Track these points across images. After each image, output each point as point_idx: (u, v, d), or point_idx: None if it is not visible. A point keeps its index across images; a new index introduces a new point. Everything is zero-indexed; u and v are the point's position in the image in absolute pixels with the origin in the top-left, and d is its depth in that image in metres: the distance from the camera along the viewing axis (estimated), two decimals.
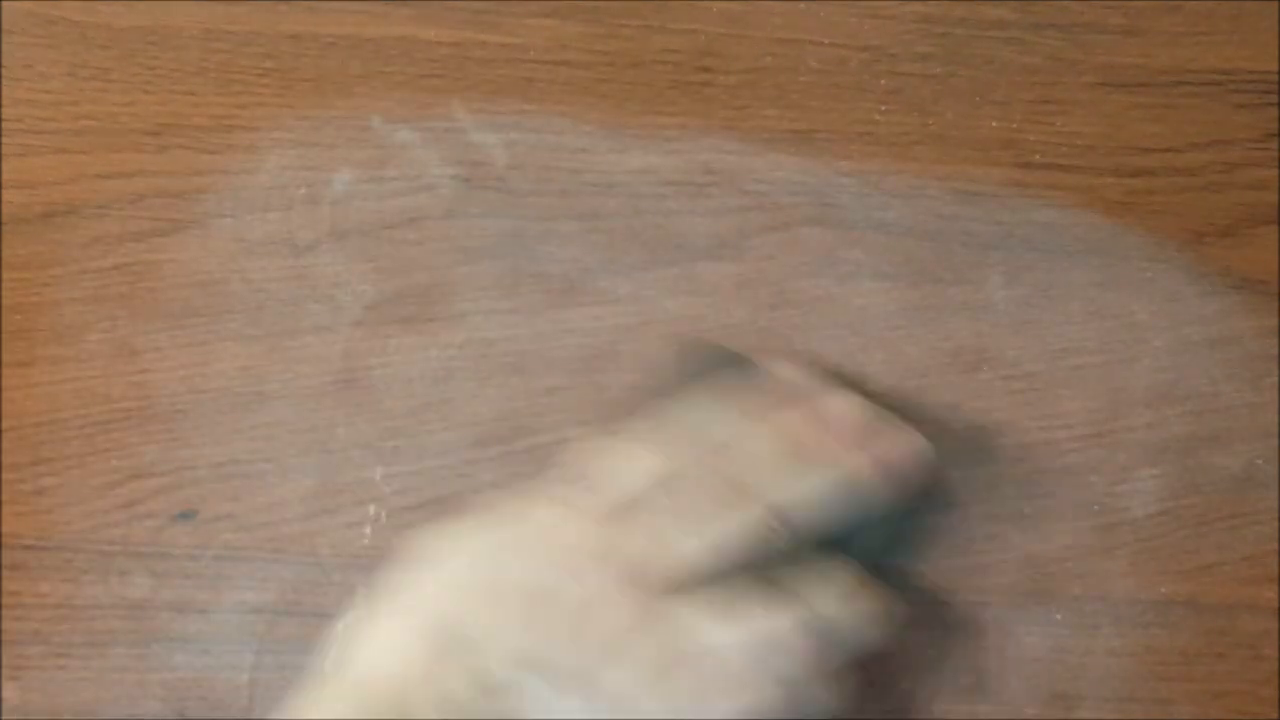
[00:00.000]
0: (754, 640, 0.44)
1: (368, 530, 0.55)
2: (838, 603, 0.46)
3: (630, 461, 0.47)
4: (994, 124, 0.57)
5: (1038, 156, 0.57)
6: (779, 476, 0.47)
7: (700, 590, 0.45)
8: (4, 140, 0.57)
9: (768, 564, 0.46)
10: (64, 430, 0.56)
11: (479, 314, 0.56)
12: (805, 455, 0.47)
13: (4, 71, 0.58)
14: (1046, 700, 0.54)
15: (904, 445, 0.49)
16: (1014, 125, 0.57)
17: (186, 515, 0.55)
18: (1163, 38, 0.58)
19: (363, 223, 0.57)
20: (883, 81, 0.57)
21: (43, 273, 0.57)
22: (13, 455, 0.56)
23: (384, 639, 0.45)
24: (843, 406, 0.49)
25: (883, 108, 0.57)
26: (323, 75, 0.58)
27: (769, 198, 0.57)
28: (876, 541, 0.51)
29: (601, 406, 0.55)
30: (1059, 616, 0.54)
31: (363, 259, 0.57)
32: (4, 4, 0.58)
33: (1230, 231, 0.56)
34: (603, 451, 0.48)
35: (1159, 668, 0.54)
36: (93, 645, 0.55)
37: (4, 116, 0.57)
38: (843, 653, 0.46)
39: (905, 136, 0.57)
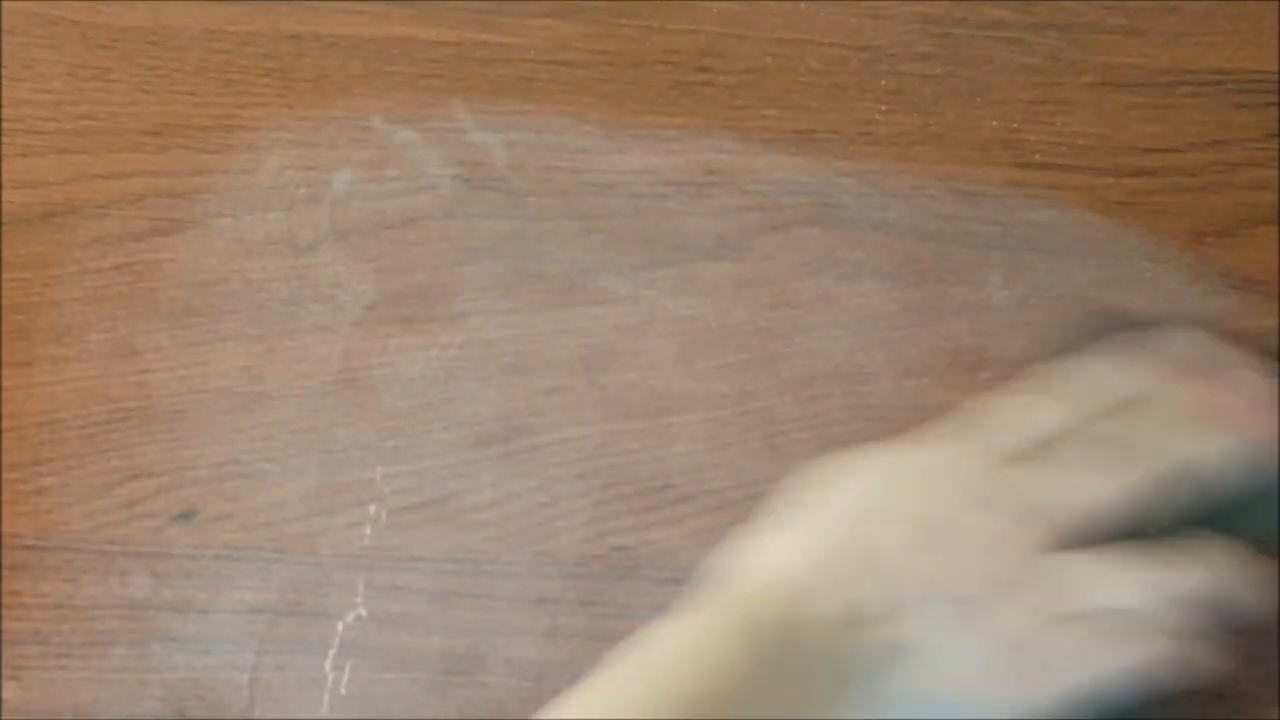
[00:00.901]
0: (1153, 594, 0.44)
1: (368, 530, 0.55)
2: (1233, 566, 0.45)
3: (1034, 411, 0.47)
4: (994, 124, 0.57)
5: (1038, 156, 0.57)
6: (1185, 437, 0.46)
7: (1095, 544, 0.44)
8: (4, 140, 0.57)
9: (1156, 530, 0.45)
10: (64, 430, 0.56)
11: (479, 314, 0.56)
12: (1212, 420, 0.46)
13: (4, 71, 0.58)
14: None
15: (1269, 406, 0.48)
16: (1014, 125, 0.57)
17: (186, 515, 0.55)
18: (1163, 38, 0.58)
19: (363, 223, 0.57)
20: (883, 82, 0.57)
21: (43, 273, 0.57)
22: (13, 455, 0.56)
23: (787, 553, 0.44)
24: (1250, 379, 0.49)
25: (883, 108, 0.57)
26: (323, 75, 0.58)
27: (769, 198, 0.57)
28: (1262, 517, 0.50)
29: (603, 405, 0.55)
30: None
31: (363, 259, 0.57)
32: (4, 4, 0.58)
33: (1230, 232, 0.56)
34: (1008, 401, 0.47)
35: None
36: (93, 645, 0.55)
37: (4, 116, 0.57)
38: (1235, 621, 0.45)
39: (905, 136, 0.57)
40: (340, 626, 0.54)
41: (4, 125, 0.57)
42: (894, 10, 0.58)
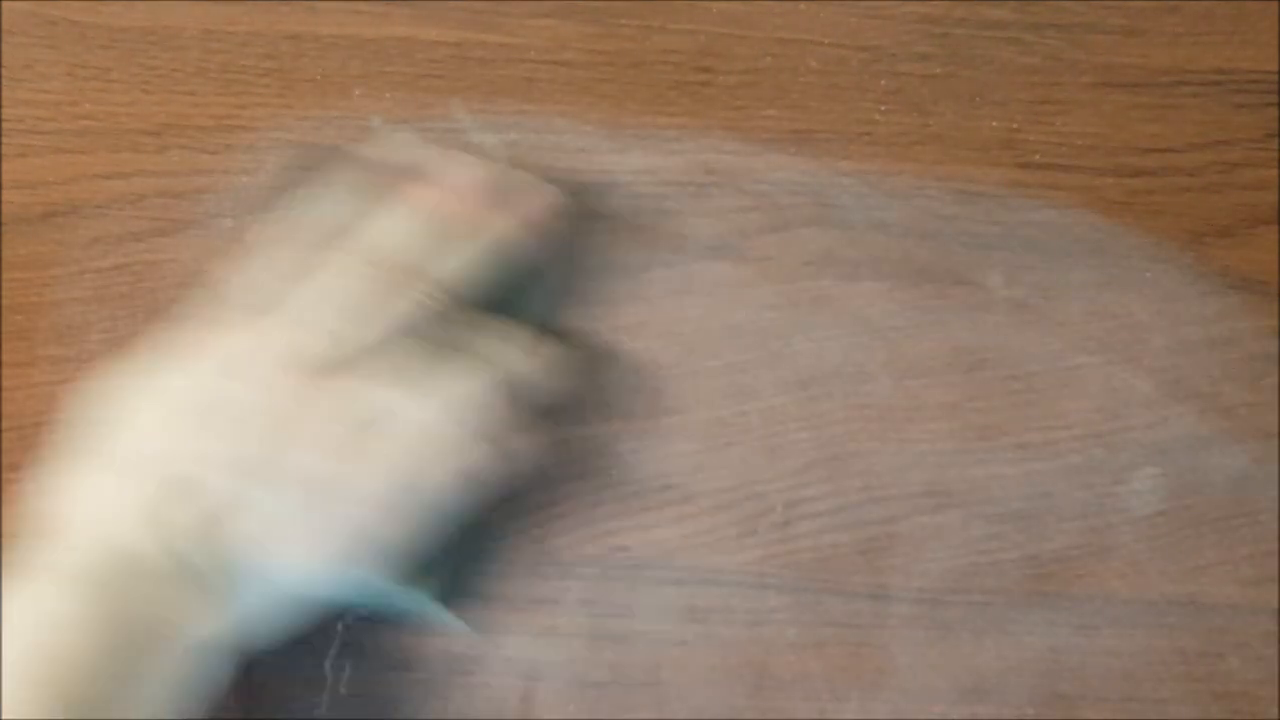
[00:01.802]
0: (449, 403, 0.45)
1: None
2: (520, 357, 0.48)
3: (271, 268, 0.47)
4: (994, 124, 0.57)
5: (1037, 157, 0.57)
6: (429, 253, 0.48)
7: (374, 364, 0.45)
8: (4, 140, 0.57)
9: (443, 336, 0.47)
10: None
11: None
12: (449, 227, 0.48)
13: (4, 72, 0.58)
14: (1046, 700, 0.54)
15: (539, 198, 0.50)
16: (1014, 125, 0.57)
17: None
18: (1162, 38, 0.58)
19: None
20: (882, 82, 0.57)
21: (43, 273, 0.57)
22: (13, 455, 0.56)
23: (97, 494, 0.45)
24: (470, 173, 0.50)
25: (882, 108, 0.57)
26: (323, 76, 0.58)
27: (769, 198, 0.57)
28: (538, 298, 0.52)
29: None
30: (1059, 616, 0.54)
31: None
32: (4, 4, 0.58)
33: (1230, 232, 0.56)
34: (242, 266, 0.48)
35: (1159, 668, 0.54)
36: None
37: (4, 117, 0.57)
38: (535, 403, 0.48)
39: (905, 137, 0.57)
40: (340, 626, 0.54)
41: (4, 125, 0.57)
42: (894, 10, 0.58)
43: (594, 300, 0.56)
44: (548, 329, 0.50)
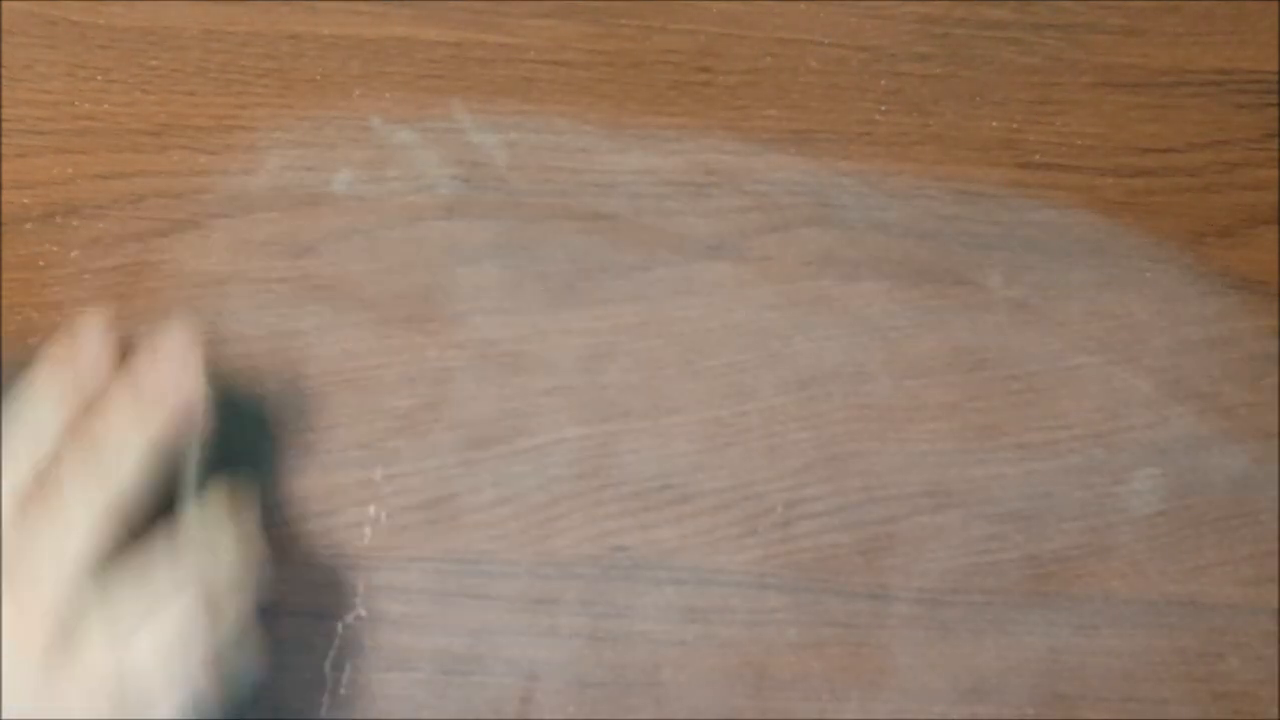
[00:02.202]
0: (157, 645, 0.46)
1: (368, 530, 0.55)
2: (216, 561, 0.48)
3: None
4: (994, 124, 0.57)
5: (1037, 157, 0.57)
6: (94, 479, 0.48)
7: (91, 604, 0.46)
8: (4, 140, 0.57)
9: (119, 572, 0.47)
10: None
11: (479, 314, 0.56)
12: (106, 445, 0.48)
13: (4, 72, 0.58)
14: (1046, 700, 0.54)
15: (173, 381, 0.50)
16: (1014, 125, 0.57)
17: None
18: (1162, 38, 0.58)
19: (363, 223, 0.57)
20: (883, 82, 0.57)
21: (43, 273, 0.56)
22: None
23: None
24: (106, 377, 0.50)
25: (882, 108, 0.57)
26: (323, 75, 0.58)
27: (769, 198, 0.57)
28: (247, 465, 0.52)
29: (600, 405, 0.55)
30: (1059, 616, 0.54)
31: (362, 259, 0.57)
32: (4, 4, 0.58)
33: (1230, 231, 0.56)
34: None
35: (1159, 668, 0.54)
36: None
37: (4, 117, 0.57)
38: (237, 608, 0.48)
39: (905, 137, 0.57)
40: (340, 627, 0.54)
41: (4, 125, 0.57)
42: (894, 10, 0.58)
43: (594, 300, 0.56)
44: (256, 502, 0.51)
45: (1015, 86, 0.57)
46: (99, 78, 0.58)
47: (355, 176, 0.57)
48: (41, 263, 0.57)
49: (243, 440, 0.52)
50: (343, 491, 0.55)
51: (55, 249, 0.57)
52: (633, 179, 0.57)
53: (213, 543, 0.48)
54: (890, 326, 0.56)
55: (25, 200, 0.57)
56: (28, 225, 0.57)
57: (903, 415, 0.55)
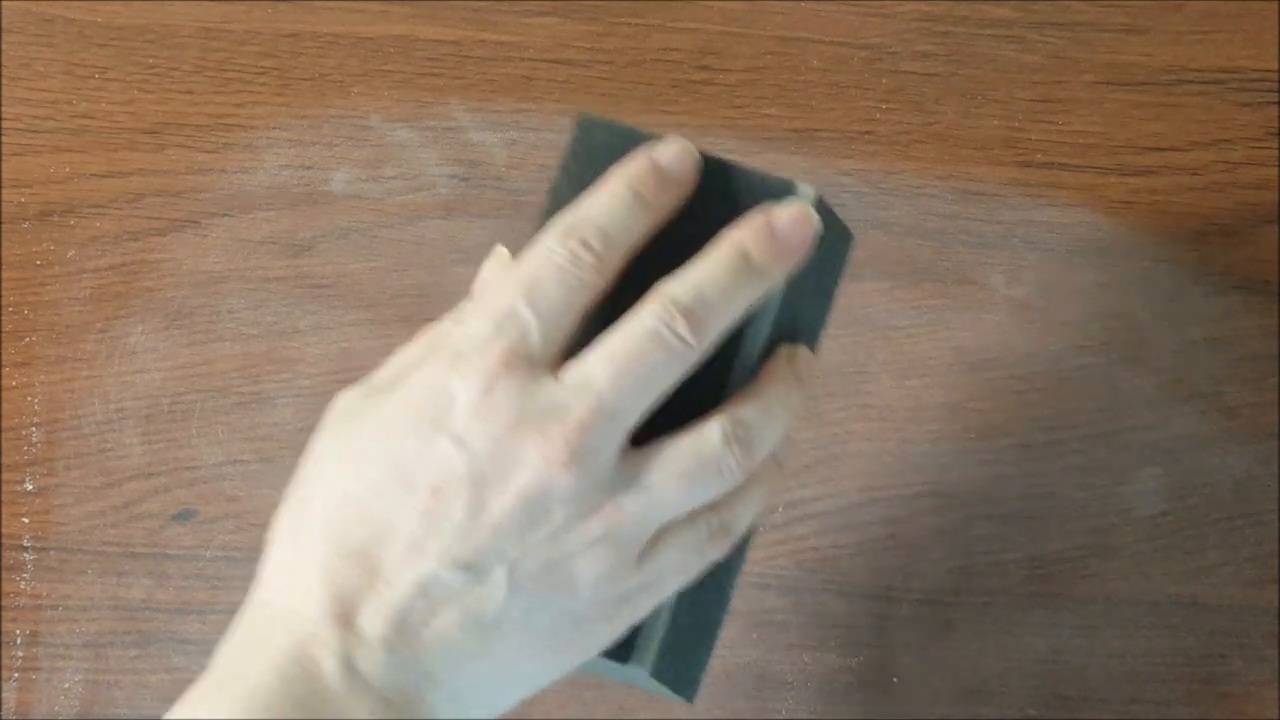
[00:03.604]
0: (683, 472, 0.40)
1: None
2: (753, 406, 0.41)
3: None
4: (995, 123, 0.57)
5: (1039, 155, 0.57)
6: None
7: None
8: (2, 139, 0.57)
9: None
10: (64, 430, 0.56)
11: None
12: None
13: (2, 71, 0.58)
14: (1048, 701, 0.54)
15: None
16: (1015, 124, 0.57)
17: (186, 515, 0.55)
18: (1165, 36, 0.57)
19: (362, 222, 0.57)
20: (884, 80, 0.57)
21: (41, 272, 0.56)
22: (12, 455, 0.55)
23: (282, 578, 0.40)
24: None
25: (884, 107, 0.57)
26: (321, 74, 0.57)
27: None
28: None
29: None
30: (1061, 617, 0.54)
31: (362, 258, 0.56)
32: (2, 3, 0.58)
33: (1232, 231, 0.56)
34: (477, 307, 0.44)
35: (1161, 669, 0.54)
36: (92, 646, 0.55)
37: (2, 116, 0.57)
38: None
39: (906, 135, 0.57)
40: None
41: (2, 125, 0.57)
42: (895, 9, 0.58)
43: None
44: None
45: (1017, 85, 0.57)
46: (96, 76, 0.58)
47: (354, 175, 0.57)
48: (39, 261, 0.57)
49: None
50: None
51: (53, 247, 0.57)
52: None
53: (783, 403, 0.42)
54: (891, 326, 0.56)
55: (22, 199, 0.57)
56: (25, 224, 0.57)
57: (903, 415, 0.55)
